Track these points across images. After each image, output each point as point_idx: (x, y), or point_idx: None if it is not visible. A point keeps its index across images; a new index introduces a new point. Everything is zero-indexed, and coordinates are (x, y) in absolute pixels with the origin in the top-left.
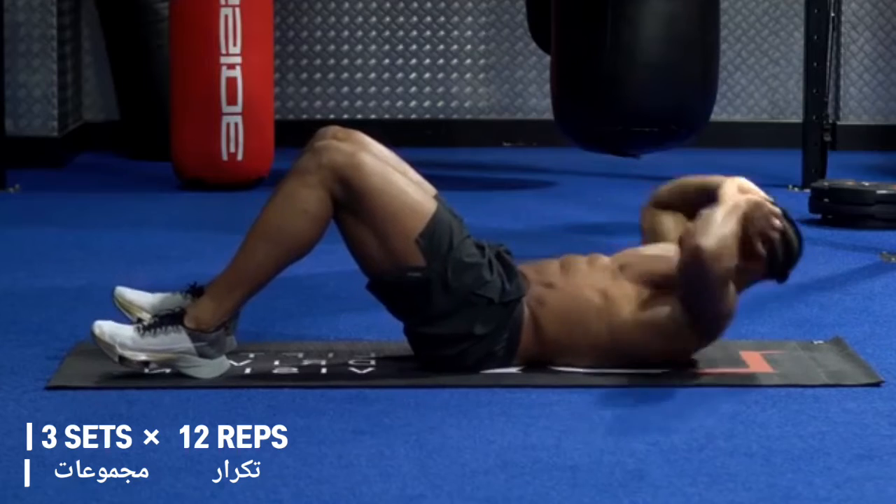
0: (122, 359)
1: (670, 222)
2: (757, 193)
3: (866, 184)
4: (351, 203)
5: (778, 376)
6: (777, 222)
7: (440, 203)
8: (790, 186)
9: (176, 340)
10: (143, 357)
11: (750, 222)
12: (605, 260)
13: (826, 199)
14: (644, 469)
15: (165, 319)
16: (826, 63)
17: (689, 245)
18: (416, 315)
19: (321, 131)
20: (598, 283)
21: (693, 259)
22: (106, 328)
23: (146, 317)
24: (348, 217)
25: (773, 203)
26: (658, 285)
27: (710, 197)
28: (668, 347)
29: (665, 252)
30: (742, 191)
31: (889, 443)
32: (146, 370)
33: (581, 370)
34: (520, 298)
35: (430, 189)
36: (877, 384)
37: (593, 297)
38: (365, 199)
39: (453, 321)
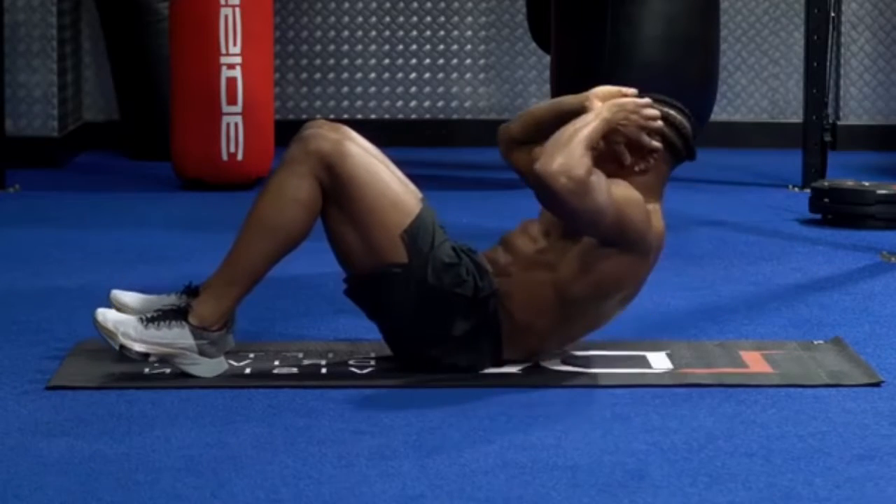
0: (123, 347)
1: None
2: (619, 93)
3: (866, 184)
4: (336, 192)
5: (778, 376)
6: (650, 111)
7: (424, 203)
8: (790, 186)
9: (179, 336)
10: (143, 348)
11: (621, 125)
12: (535, 227)
13: (826, 199)
14: (644, 469)
15: (169, 314)
16: (826, 63)
17: (528, 172)
18: (393, 313)
19: (307, 124)
20: (539, 257)
21: (535, 185)
22: (109, 316)
23: None
24: (332, 208)
25: (638, 95)
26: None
27: (567, 120)
28: (610, 282)
29: None
30: (604, 98)
31: (889, 443)
32: (146, 370)
33: (580, 370)
34: (493, 294)
35: (415, 190)
36: (877, 384)
37: (540, 273)
38: (350, 188)
39: (430, 320)
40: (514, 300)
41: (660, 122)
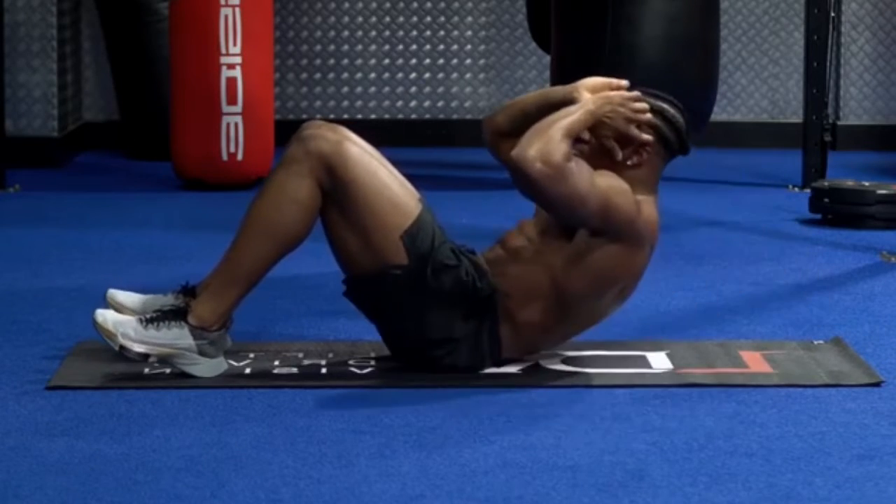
0: (123, 348)
1: None
2: (608, 85)
3: (866, 184)
4: (336, 193)
5: (778, 376)
6: (638, 105)
7: (424, 205)
8: (790, 186)
9: (178, 336)
10: (143, 349)
11: (607, 117)
12: (531, 226)
13: (826, 199)
14: (644, 469)
15: (169, 314)
16: (826, 63)
17: (507, 159)
18: (393, 314)
19: (305, 124)
20: (536, 256)
21: (512, 171)
22: (109, 316)
23: None
24: (332, 210)
25: (629, 89)
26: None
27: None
28: (606, 274)
29: None
30: (593, 90)
31: (889, 443)
32: (146, 370)
33: (580, 370)
34: (492, 294)
35: (414, 191)
36: (877, 384)
37: (537, 271)
38: (350, 189)
39: (431, 322)
40: (512, 299)
41: (649, 116)
